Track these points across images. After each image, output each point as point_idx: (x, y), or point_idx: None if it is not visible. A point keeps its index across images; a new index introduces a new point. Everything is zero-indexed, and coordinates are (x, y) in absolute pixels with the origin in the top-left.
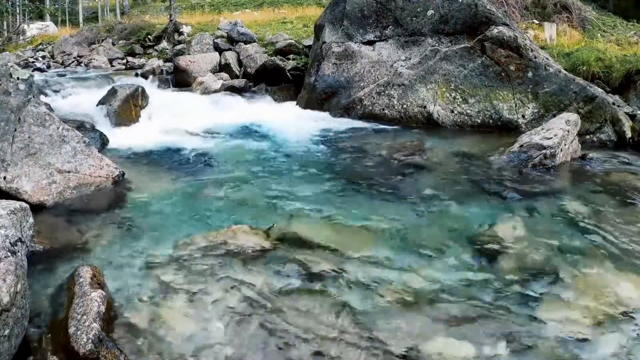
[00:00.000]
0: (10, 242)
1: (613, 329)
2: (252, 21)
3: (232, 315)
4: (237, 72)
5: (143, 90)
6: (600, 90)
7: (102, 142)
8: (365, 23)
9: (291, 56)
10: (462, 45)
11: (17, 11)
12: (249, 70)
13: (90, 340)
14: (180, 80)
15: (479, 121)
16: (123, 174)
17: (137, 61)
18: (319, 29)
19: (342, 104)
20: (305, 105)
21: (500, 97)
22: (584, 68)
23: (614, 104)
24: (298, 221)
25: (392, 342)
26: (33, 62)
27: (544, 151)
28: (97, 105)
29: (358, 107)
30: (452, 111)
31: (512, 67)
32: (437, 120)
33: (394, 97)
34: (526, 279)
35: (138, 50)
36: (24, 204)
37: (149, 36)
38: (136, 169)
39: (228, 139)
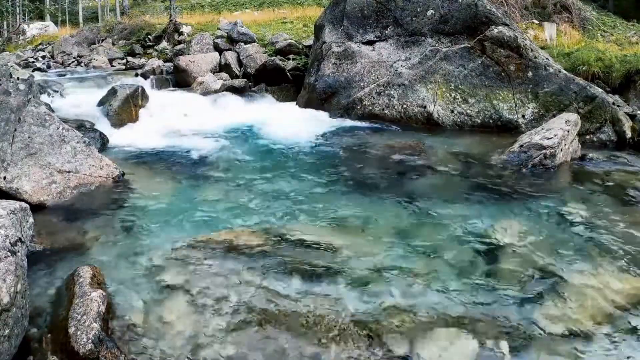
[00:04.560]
0: (10, 242)
1: (613, 329)
2: (252, 21)
3: (232, 315)
4: (237, 72)
5: (143, 90)
6: (600, 90)
7: (102, 142)
8: (365, 23)
9: (291, 56)
10: (462, 45)
11: (17, 11)
12: (249, 70)
13: (90, 340)
14: (180, 80)
15: (479, 121)
16: (123, 174)
17: (137, 61)
18: (319, 29)
19: (342, 104)
20: (305, 105)
21: (500, 97)
22: (584, 68)
23: (614, 104)
24: (298, 221)
25: (392, 342)
26: (33, 62)
27: (544, 151)
28: (97, 105)
29: (358, 107)
30: (452, 111)
31: (512, 67)
32: (437, 120)
33: (394, 97)
34: (526, 278)
35: (138, 50)
36: (24, 204)
37: (149, 36)
38: (136, 169)
39: (228, 139)
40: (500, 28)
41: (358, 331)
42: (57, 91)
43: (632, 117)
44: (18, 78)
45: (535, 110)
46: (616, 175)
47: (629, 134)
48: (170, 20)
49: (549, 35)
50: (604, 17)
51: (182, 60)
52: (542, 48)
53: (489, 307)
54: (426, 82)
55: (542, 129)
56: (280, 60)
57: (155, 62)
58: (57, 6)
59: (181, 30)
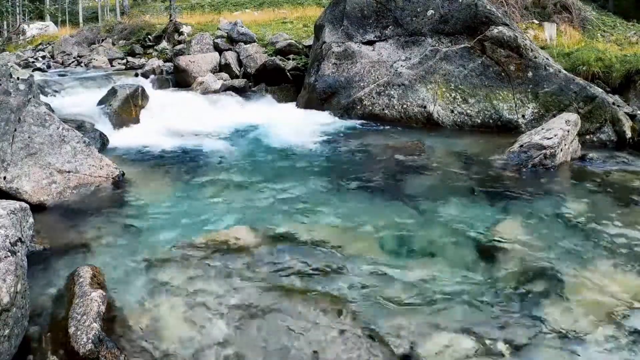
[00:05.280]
0: (10, 242)
1: (613, 329)
2: (252, 21)
3: (232, 315)
4: (237, 72)
5: (143, 90)
6: (600, 90)
7: (102, 142)
8: (365, 23)
9: (291, 56)
10: (462, 45)
11: (17, 11)
12: (249, 70)
13: (90, 340)
14: (180, 80)
15: (479, 121)
16: (123, 174)
17: (137, 61)
18: (319, 29)
19: (342, 104)
20: (305, 105)
21: (500, 97)
22: (584, 68)
23: (614, 104)
24: (298, 221)
25: (392, 342)
26: (33, 62)
27: (544, 151)
28: (97, 105)
29: (358, 107)
30: (452, 111)
31: (512, 67)
32: (437, 120)
33: (394, 97)
34: (526, 278)
35: (138, 50)
36: (24, 204)
37: (149, 36)
38: (136, 169)
39: (228, 139)
40: (500, 28)
41: (358, 331)
42: (57, 91)
43: (632, 117)
44: (18, 78)
45: (535, 110)
46: (616, 175)
47: (629, 134)
48: (170, 20)
49: (549, 35)
50: (604, 17)
51: (182, 60)
52: (542, 48)
53: (489, 307)
54: (426, 82)
55: (542, 129)
56: (280, 60)
57: (155, 62)
58: (57, 6)
59: (181, 30)
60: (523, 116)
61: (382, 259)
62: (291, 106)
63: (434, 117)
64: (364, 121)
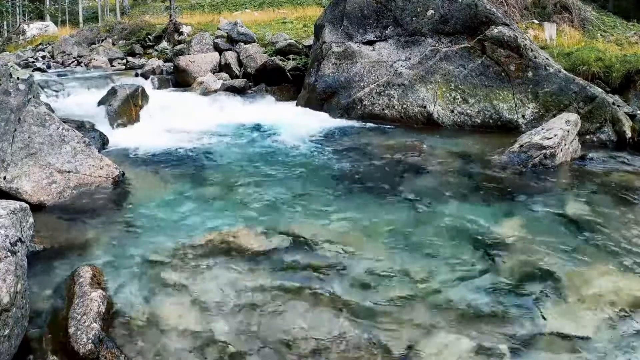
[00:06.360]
0: (10, 242)
1: (613, 329)
2: (252, 21)
3: (232, 315)
4: (237, 72)
5: (143, 90)
6: (600, 90)
7: (102, 142)
8: (365, 23)
9: (291, 56)
10: (462, 45)
11: (17, 11)
12: (249, 70)
13: (90, 340)
14: (180, 80)
15: (479, 121)
16: (123, 174)
17: (137, 61)
18: (319, 29)
19: (342, 104)
20: (305, 105)
21: (500, 97)
22: (584, 68)
23: (614, 104)
24: (298, 221)
25: (392, 342)
26: (33, 62)
27: (544, 151)
28: (97, 105)
29: (358, 107)
30: (452, 111)
31: (512, 67)
32: (437, 120)
33: (394, 97)
34: (526, 278)
35: (138, 50)
36: (24, 204)
37: (149, 36)
38: (136, 169)
39: (228, 139)
40: (500, 28)
41: (358, 331)
42: (57, 91)
43: (632, 117)
44: (18, 78)
45: (535, 110)
46: (616, 175)
47: (629, 134)
48: (170, 20)
49: (549, 35)
50: (604, 17)
51: (182, 60)
52: (542, 48)
53: (489, 307)
54: (426, 82)
55: (542, 129)
56: (280, 60)
57: (155, 62)
58: (57, 6)
59: (181, 30)
60: (523, 116)
61: (382, 259)
62: (291, 106)
63: (434, 117)
64: (364, 121)
